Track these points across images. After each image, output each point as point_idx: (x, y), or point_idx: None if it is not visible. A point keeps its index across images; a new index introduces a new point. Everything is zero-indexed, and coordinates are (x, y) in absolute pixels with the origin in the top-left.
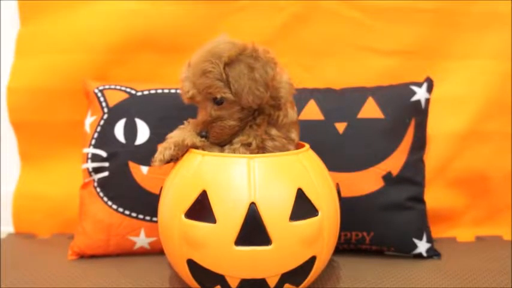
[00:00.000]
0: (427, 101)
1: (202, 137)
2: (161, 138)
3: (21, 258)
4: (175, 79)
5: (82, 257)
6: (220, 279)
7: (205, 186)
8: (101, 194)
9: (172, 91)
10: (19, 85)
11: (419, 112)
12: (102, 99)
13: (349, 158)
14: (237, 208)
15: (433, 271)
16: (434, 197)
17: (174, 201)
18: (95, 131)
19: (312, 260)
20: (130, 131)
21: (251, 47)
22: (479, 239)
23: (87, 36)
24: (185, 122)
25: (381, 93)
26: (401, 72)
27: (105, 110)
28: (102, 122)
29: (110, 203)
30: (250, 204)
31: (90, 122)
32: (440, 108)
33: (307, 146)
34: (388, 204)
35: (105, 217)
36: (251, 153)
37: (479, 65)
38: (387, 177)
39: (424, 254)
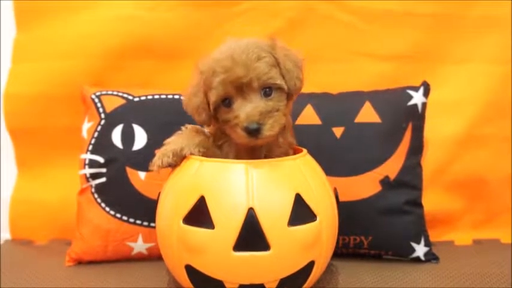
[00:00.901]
0: (424, 105)
1: (256, 132)
2: (159, 144)
3: (19, 264)
4: (172, 85)
5: (80, 263)
6: (219, 284)
7: (203, 192)
8: (99, 200)
9: (170, 97)
10: (16, 91)
11: (416, 116)
12: (99, 104)
13: (346, 162)
14: (235, 213)
15: (431, 275)
16: (432, 200)
17: (172, 207)
18: (92, 137)
19: (311, 264)
20: (128, 137)
21: (277, 40)
22: (477, 242)
23: (84, 42)
24: (183, 127)
25: (378, 98)
26: (398, 76)
27: (103, 115)
28: (99, 128)
29: (107, 208)
30: (249, 210)
31: (87, 127)
32: (438, 112)
33: (304, 151)
34: (386, 208)
35: (102, 223)
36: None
37: (475, 68)
38: (385, 182)
39: (422, 258)
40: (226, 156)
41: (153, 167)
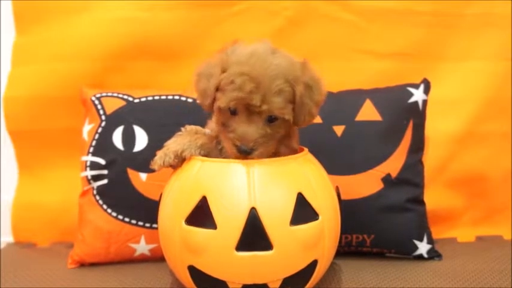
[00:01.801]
0: (425, 102)
1: (246, 153)
2: (159, 145)
3: (21, 267)
4: (172, 85)
5: (82, 265)
6: (222, 285)
7: (205, 192)
8: (100, 202)
9: (170, 97)
10: (16, 94)
11: (417, 113)
12: (99, 106)
13: (348, 160)
14: (238, 213)
15: (435, 272)
16: (434, 198)
17: (174, 207)
18: (93, 139)
19: (314, 264)
20: (129, 138)
21: (308, 65)
22: (479, 239)
23: (83, 44)
24: (182, 128)
25: (378, 96)
26: (398, 74)
27: (103, 117)
28: (100, 130)
29: (109, 210)
30: (251, 209)
31: (88, 129)
32: (438, 110)
33: (306, 150)
34: (388, 206)
35: (104, 225)
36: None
37: (475, 66)
38: (386, 179)
39: (425, 255)
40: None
41: (154, 165)
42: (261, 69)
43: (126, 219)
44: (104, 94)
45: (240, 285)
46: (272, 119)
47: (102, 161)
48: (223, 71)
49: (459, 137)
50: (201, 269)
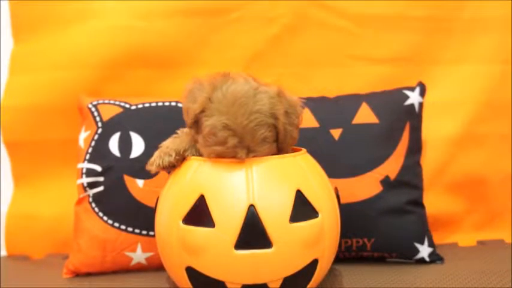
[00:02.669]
0: (421, 104)
1: None
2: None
3: (15, 279)
4: (169, 94)
5: (77, 275)
6: (221, 286)
7: (203, 191)
8: (96, 209)
9: (167, 104)
10: (12, 103)
11: (414, 116)
12: (96, 113)
13: (346, 163)
14: (236, 211)
15: (437, 276)
16: (434, 203)
17: (171, 208)
18: (89, 146)
19: (314, 263)
20: (125, 145)
21: (283, 92)
22: (481, 243)
23: (81, 53)
24: (178, 131)
25: (375, 99)
26: (394, 79)
27: (99, 124)
28: (96, 137)
29: (105, 218)
30: (249, 207)
31: (84, 137)
32: (434, 113)
33: (304, 150)
34: (388, 208)
35: (100, 233)
36: None
37: (470, 69)
38: (385, 182)
39: (427, 259)
40: None
41: (151, 166)
42: (243, 120)
43: (123, 227)
44: (101, 101)
45: (240, 286)
46: None
47: (98, 168)
48: (203, 110)
49: (457, 139)
50: (199, 270)
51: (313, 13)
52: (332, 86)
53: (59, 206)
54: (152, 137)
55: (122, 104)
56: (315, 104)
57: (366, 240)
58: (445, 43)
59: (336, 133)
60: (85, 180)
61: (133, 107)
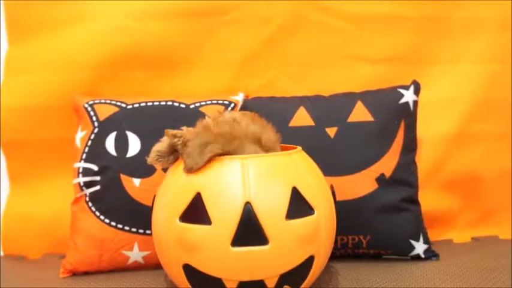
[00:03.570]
0: (415, 103)
1: None
2: None
3: (12, 279)
4: (164, 94)
5: (74, 274)
6: (218, 283)
7: (199, 189)
8: (93, 209)
9: (163, 103)
10: (8, 104)
11: (408, 114)
12: (92, 113)
13: (341, 161)
14: (232, 208)
15: (433, 272)
16: (429, 200)
17: (168, 205)
18: (86, 145)
19: (310, 259)
20: (122, 144)
21: (257, 118)
22: (475, 239)
23: (76, 53)
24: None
25: (369, 97)
26: (389, 78)
27: (96, 123)
28: (92, 136)
29: (102, 217)
30: (245, 204)
31: (80, 136)
32: (429, 112)
33: (299, 148)
34: (383, 206)
35: (97, 232)
36: None
37: (464, 68)
38: (381, 179)
39: (422, 255)
40: None
41: (152, 154)
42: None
43: (119, 226)
44: (97, 101)
45: (237, 282)
46: None
47: (94, 167)
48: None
49: (452, 137)
50: (196, 267)
51: (309, 14)
52: (327, 86)
53: (55, 206)
54: (148, 137)
55: (118, 103)
56: (311, 102)
57: (361, 237)
58: (441, 43)
59: (332, 131)
60: (82, 179)
61: (129, 107)
